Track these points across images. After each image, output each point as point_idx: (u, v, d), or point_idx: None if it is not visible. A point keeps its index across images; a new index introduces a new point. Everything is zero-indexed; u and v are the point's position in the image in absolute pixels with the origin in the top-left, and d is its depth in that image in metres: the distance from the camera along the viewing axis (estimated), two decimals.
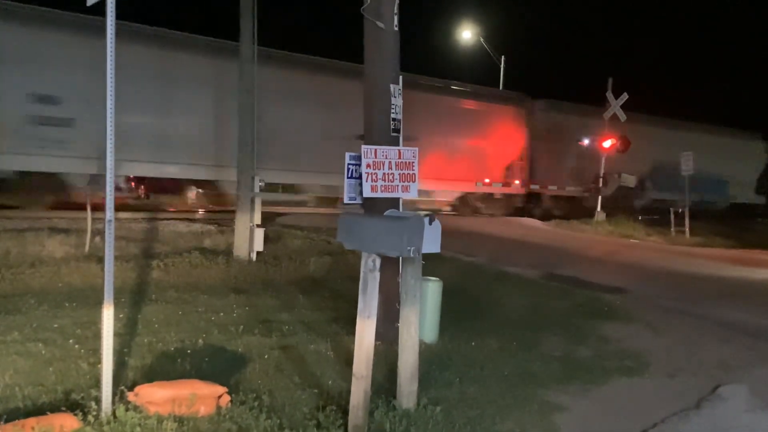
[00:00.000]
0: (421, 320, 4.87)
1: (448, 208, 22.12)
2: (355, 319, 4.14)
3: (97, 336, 4.16)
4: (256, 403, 4.18)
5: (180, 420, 3.86)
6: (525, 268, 11.13)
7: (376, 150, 5.36)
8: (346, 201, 5.70)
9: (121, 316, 6.23)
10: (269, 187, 17.37)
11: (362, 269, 4.07)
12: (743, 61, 56.61)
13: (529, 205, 23.26)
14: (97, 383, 4.08)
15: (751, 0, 53.09)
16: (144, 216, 13.60)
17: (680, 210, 18.89)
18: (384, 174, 5.36)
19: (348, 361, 4.46)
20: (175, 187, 17.36)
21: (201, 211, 17.11)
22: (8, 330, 5.70)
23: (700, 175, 25.11)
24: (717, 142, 27.51)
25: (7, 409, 3.96)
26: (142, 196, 17.45)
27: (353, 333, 4.21)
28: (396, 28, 5.85)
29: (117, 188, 9.61)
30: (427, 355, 5.45)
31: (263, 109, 12.01)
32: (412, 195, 5.57)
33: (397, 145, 5.81)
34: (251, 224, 10.23)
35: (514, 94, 23.38)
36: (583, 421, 4.65)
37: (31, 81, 13.61)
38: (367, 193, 5.33)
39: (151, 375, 4.60)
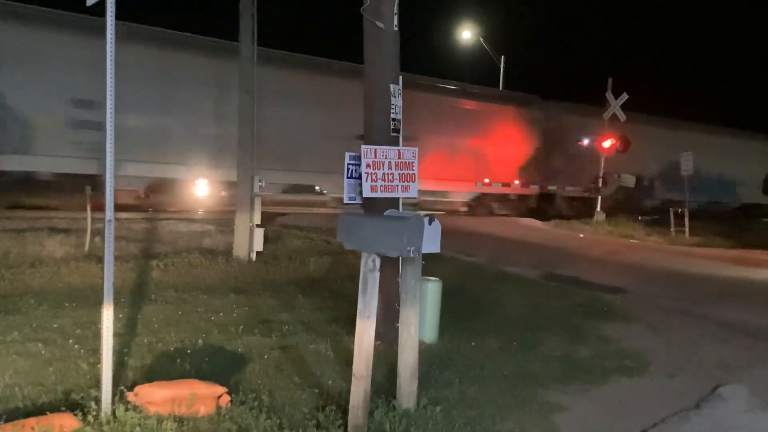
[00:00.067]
0: (420, 320, 4.87)
1: (465, 209, 22.37)
2: (354, 319, 4.13)
3: (97, 336, 4.16)
4: (255, 403, 4.18)
5: (180, 420, 3.86)
6: (525, 268, 11.13)
7: (375, 150, 5.36)
8: (346, 201, 5.69)
9: (120, 316, 6.23)
10: (292, 188, 17.70)
11: (362, 269, 4.07)
12: (743, 61, 56.66)
13: (542, 205, 23.40)
14: (96, 383, 4.08)
15: (751, 0, 53.12)
16: (144, 216, 13.62)
17: (680, 210, 18.90)
18: (384, 174, 5.36)
19: (348, 361, 4.46)
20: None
21: (201, 211, 17.10)
22: (8, 330, 5.70)
23: (707, 176, 25.42)
24: (724, 143, 27.70)
25: (7, 409, 3.96)
26: (142, 196, 17.47)
27: (353, 333, 4.21)
28: (396, 28, 5.86)
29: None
30: (427, 355, 5.45)
31: (263, 109, 12.02)
32: (411, 195, 5.57)
33: (397, 145, 5.81)
34: (251, 224, 10.23)
35: (528, 97, 23.56)
36: (583, 421, 4.65)
37: (70, 86, 13.88)
38: (367, 193, 5.33)
39: (151, 375, 4.60)
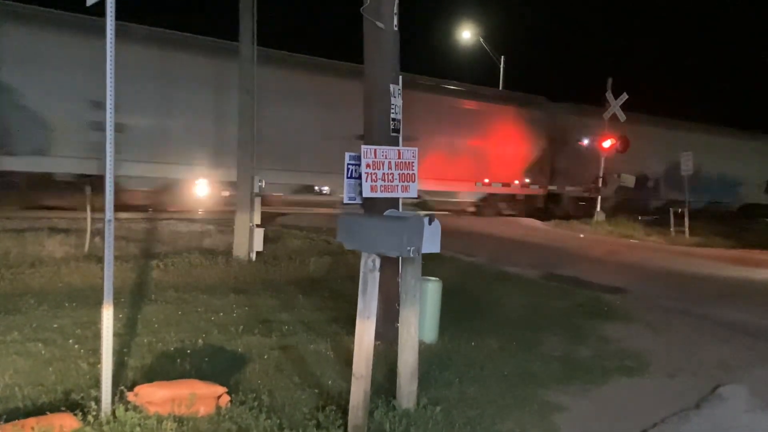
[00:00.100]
0: (420, 320, 4.87)
1: (472, 209, 22.60)
2: (354, 319, 4.13)
3: (97, 336, 4.16)
4: (255, 403, 4.18)
5: (179, 420, 3.86)
6: (525, 268, 11.13)
7: (375, 150, 5.36)
8: (345, 201, 5.70)
9: (120, 316, 6.23)
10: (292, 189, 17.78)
11: (362, 269, 4.07)
12: (743, 61, 56.64)
13: (549, 205, 23.52)
14: (96, 383, 4.08)
15: (751, 0, 53.13)
16: (144, 216, 13.62)
17: (680, 210, 18.91)
18: (384, 174, 5.36)
19: (348, 361, 4.46)
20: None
21: (201, 211, 17.12)
22: (8, 330, 5.70)
23: (710, 176, 25.52)
24: (726, 143, 27.82)
25: (6, 409, 3.96)
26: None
27: (353, 333, 4.21)
28: (396, 28, 5.86)
29: None
30: (427, 355, 5.45)
31: (263, 109, 12.04)
32: (411, 195, 5.58)
33: (397, 145, 5.81)
34: (251, 224, 10.23)
35: (534, 98, 23.70)
36: (583, 421, 4.65)
37: (89, 88, 13.86)
38: (367, 193, 5.33)
39: (151, 375, 4.60)
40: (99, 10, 3.86)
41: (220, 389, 4.16)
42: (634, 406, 4.99)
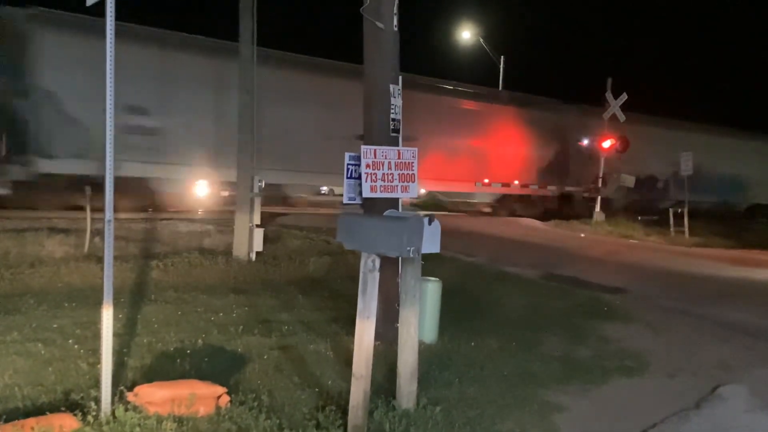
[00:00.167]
0: (420, 320, 4.87)
1: (488, 210, 23.25)
2: (354, 319, 4.13)
3: (97, 336, 4.16)
4: (255, 404, 4.18)
5: (179, 420, 3.86)
6: (525, 268, 11.13)
7: (375, 150, 5.36)
8: (345, 201, 5.70)
9: (120, 316, 6.23)
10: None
11: (362, 269, 4.07)
12: (743, 61, 56.64)
13: (562, 205, 23.74)
14: (96, 383, 4.08)
15: (751, 0, 53.12)
16: (143, 216, 13.63)
17: (680, 210, 18.92)
18: (383, 174, 5.36)
19: (347, 361, 4.46)
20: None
21: (200, 211, 17.14)
22: (8, 330, 5.70)
23: (718, 177, 25.74)
24: (734, 144, 28.06)
25: (6, 409, 3.96)
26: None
27: (353, 333, 4.21)
28: (396, 28, 5.85)
29: None
30: (427, 355, 5.45)
31: (262, 110, 12.07)
32: (411, 195, 5.58)
33: (397, 145, 5.81)
34: (251, 224, 10.23)
35: (549, 101, 24.03)
36: (583, 421, 4.65)
37: (123, 92, 14.12)
38: (367, 193, 5.32)
39: (151, 375, 4.60)
40: (99, 10, 3.86)
41: (220, 389, 4.16)
42: (634, 406, 4.99)
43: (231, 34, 11.52)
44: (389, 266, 5.50)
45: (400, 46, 5.96)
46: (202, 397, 4.04)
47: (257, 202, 10.41)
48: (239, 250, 10.15)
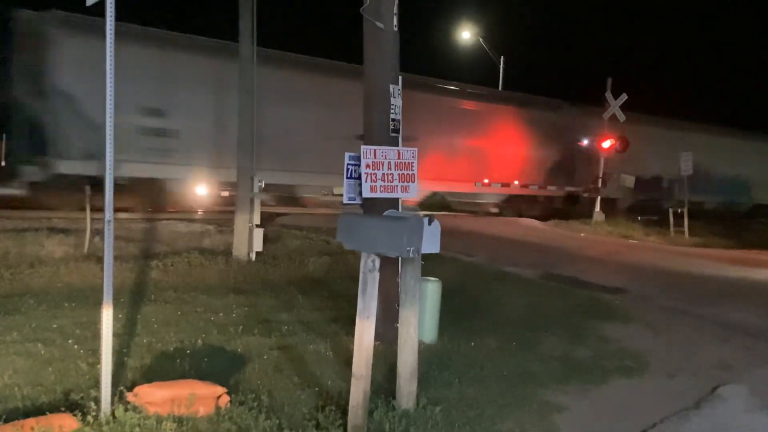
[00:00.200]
0: (420, 320, 4.87)
1: (495, 210, 23.56)
2: (354, 319, 4.13)
3: (97, 336, 4.16)
4: (255, 404, 4.18)
5: (179, 420, 3.86)
6: (524, 268, 11.13)
7: (375, 150, 5.36)
8: (345, 201, 5.70)
9: (120, 316, 6.22)
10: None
11: (362, 269, 4.07)
12: (744, 61, 56.64)
13: (568, 206, 23.88)
14: (96, 383, 4.08)
15: (751, 0, 53.13)
16: (143, 216, 13.65)
17: (679, 210, 18.93)
18: (383, 174, 5.36)
19: (347, 361, 4.46)
20: None
21: (200, 211, 17.15)
22: (7, 330, 5.70)
23: (723, 178, 25.88)
24: (739, 145, 28.22)
25: (6, 409, 3.95)
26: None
27: (352, 333, 4.21)
28: (395, 29, 5.86)
29: None
30: (427, 355, 5.45)
31: (262, 110, 12.10)
32: (411, 195, 5.57)
33: (397, 145, 5.81)
34: (250, 224, 10.23)
35: (554, 102, 24.17)
36: (583, 421, 4.65)
37: (140, 95, 14.83)
38: (367, 193, 5.32)
39: (151, 375, 4.60)
40: (99, 10, 3.86)
41: (220, 389, 4.16)
42: (634, 406, 5.00)
43: (231, 35, 11.55)
44: (389, 266, 5.50)
45: (400, 46, 5.96)
46: (202, 397, 4.04)
47: (257, 202, 10.41)
48: (239, 250, 10.14)
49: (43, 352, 5.14)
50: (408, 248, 3.92)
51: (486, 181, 21.84)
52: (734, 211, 27.46)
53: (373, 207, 5.52)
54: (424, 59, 32.68)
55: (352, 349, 4.13)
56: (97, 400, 3.86)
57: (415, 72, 19.26)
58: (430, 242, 4.04)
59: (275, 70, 15.42)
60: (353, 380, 4.04)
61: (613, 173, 22.71)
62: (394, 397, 4.42)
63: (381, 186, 5.35)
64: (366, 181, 5.29)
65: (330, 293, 8.17)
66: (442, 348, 5.93)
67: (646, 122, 23.86)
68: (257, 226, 10.25)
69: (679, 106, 32.10)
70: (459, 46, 30.13)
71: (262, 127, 15.42)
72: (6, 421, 3.64)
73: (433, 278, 6.20)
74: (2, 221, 11.18)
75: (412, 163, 5.51)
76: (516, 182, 22.49)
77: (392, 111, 5.89)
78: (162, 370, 4.82)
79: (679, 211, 18.93)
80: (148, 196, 15.67)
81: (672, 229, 18.87)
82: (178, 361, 5.06)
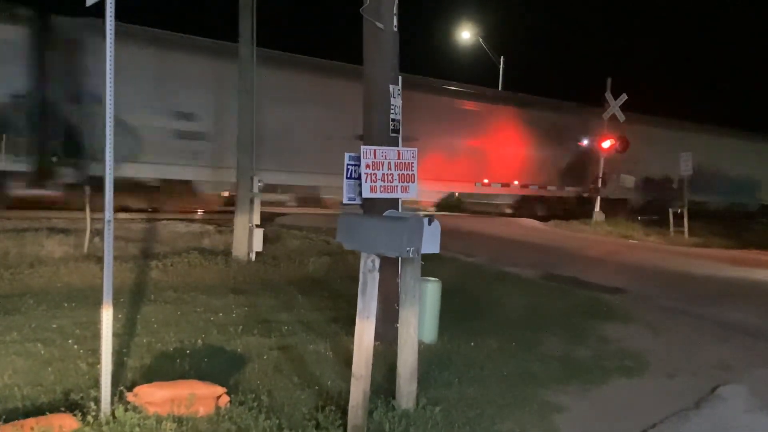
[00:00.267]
0: (420, 320, 4.87)
1: (510, 210, 24.19)
2: (354, 319, 4.13)
3: (96, 336, 4.16)
4: (255, 404, 4.18)
5: (179, 420, 3.86)
6: (524, 269, 11.13)
7: (375, 150, 5.36)
8: (345, 201, 5.70)
9: (120, 316, 6.22)
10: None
11: (361, 269, 4.07)
12: (744, 61, 56.62)
13: (579, 206, 24.06)
14: (96, 383, 4.08)
15: (751, 0, 53.11)
16: (143, 216, 13.67)
17: (679, 210, 18.94)
18: (383, 174, 5.36)
19: (347, 361, 4.46)
20: None
21: (200, 212, 17.18)
22: (7, 330, 5.69)
23: (731, 178, 26.05)
24: (746, 146, 28.45)
25: (6, 409, 3.95)
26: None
27: (352, 333, 4.21)
28: (395, 29, 5.85)
29: None
30: (427, 355, 5.45)
31: (262, 110, 12.13)
32: (411, 195, 5.57)
33: (397, 145, 5.81)
34: (250, 225, 10.23)
35: (567, 104, 24.52)
36: (583, 422, 4.65)
37: (172, 99, 15.54)
38: (366, 193, 5.33)
39: (150, 375, 4.60)
40: (99, 11, 3.85)
41: (220, 389, 4.16)
42: (634, 406, 5.00)
43: (230, 36, 11.56)
44: (389, 266, 5.50)
45: (400, 46, 5.96)
46: (202, 397, 4.04)
47: (257, 202, 10.40)
48: (239, 250, 10.14)
49: (42, 352, 5.13)
50: (408, 248, 3.92)
51: (501, 182, 22.47)
52: (741, 212, 27.53)
53: (373, 207, 5.52)
54: (424, 59, 32.71)
55: (352, 349, 4.13)
56: (96, 400, 3.86)
57: (415, 72, 19.32)
58: (430, 242, 4.04)
59: (274, 71, 15.58)
60: (353, 380, 4.03)
61: (614, 173, 22.83)
62: (393, 397, 4.42)
63: (381, 186, 5.35)
64: (366, 182, 5.29)
65: (330, 293, 8.17)
66: (442, 348, 5.93)
67: (656, 124, 24.29)
68: (257, 226, 10.25)
69: (679, 106, 32.09)
70: (459, 46, 30.14)
71: (286, 130, 16.39)
72: (6, 421, 3.64)
73: (433, 278, 6.20)
74: (2, 221, 11.18)
75: (412, 163, 5.51)
76: (530, 184, 23.19)
77: (392, 111, 5.89)
78: (162, 370, 4.82)
79: (679, 211, 18.93)
80: (179, 196, 16.21)
81: (672, 229, 18.87)
82: (178, 361, 5.06)
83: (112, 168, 3.86)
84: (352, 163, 5.55)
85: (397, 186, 5.45)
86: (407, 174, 5.49)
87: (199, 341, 5.68)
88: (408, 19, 6.54)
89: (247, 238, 10.17)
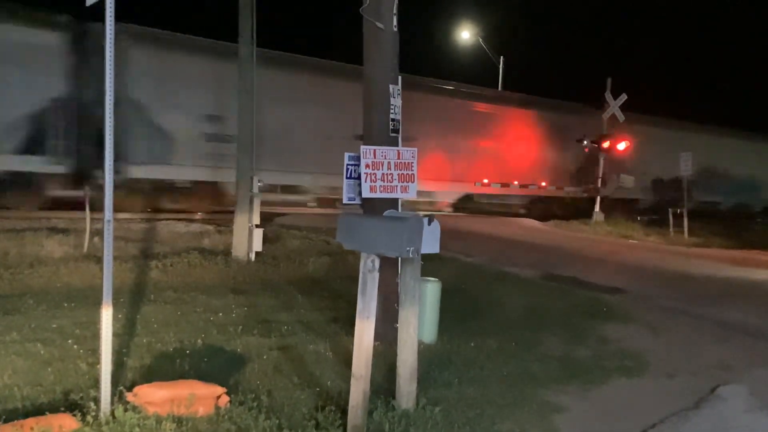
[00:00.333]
0: (420, 320, 4.87)
1: (523, 210, 24.83)
2: (354, 319, 4.13)
3: (96, 336, 4.16)
4: (255, 404, 4.18)
5: (179, 420, 3.85)
6: (524, 269, 11.13)
7: (375, 150, 5.36)
8: (345, 201, 5.70)
9: (119, 316, 6.22)
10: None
11: (361, 270, 4.07)
12: (744, 61, 56.60)
13: (593, 206, 24.05)
14: (95, 383, 4.08)
15: (751, 0, 53.09)
16: (143, 216, 13.67)
17: (679, 210, 18.94)
18: (383, 174, 5.36)
19: (347, 361, 4.46)
20: None
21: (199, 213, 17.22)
22: (7, 330, 5.69)
23: (737, 179, 26.23)
24: (751, 147, 28.63)
25: (6, 409, 3.95)
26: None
27: (352, 333, 4.21)
28: (395, 29, 5.85)
29: None
30: (427, 355, 5.45)
31: (262, 110, 12.15)
32: (410, 196, 5.57)
33: (396, 145, 5.81)
34: (250, 225, 10.22)
35: (577, 105, 24.76)
36: (583, 422, 4.65)
37: (202, 103, 15.94)
38: (366, 193, 5.32)
39: (150, 375, 4.60)
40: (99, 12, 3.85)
41: (220, 389, 4.16)
42: (634, 406, 4.99)
43: (230, 37, 11.56)
44: (389, 266, 5.50)
45: (400, 46, 5.96)
46: (202, 397, 4.03)
47: (257, 202, 10.40)
48: (239, 250, 10.14)
49: (42, 352, 5.13)
50: (408, 248, 3.92)
51: (516, 183, 22.91)
52: (746, 213, 27.60)
53: (372, 207, 5.52)
54: (424, 59, 32.70)
55: (352, 349, 4.13)
56: (96, 400, 3.86)
57: (414, 72, 19.35)
58: (430, 242, 4.04)
59: (274, 71, 15.65)
60: (353, 380, 4.03)
61: (618, 174, 22.92)
62: (393, 397, 4.42)
63: (381, 186, 5.35)
64: (365, 181, 5.29)
65: (330, 293, 8.17)
66: (442, 348, 5.92)
67: (667, 126, 24.71)
68: (257, 226, 10.25)
69: (679, 106, 32.12)
70: (459, 47, 30.16)
71: (286, 130, 16.46)
72: (6, 421, 3.64)
73: (432, 278, 6.20)
74: (2, 221, 11.18)
75: (412, 163, 5.50)
76: (542, 184, 23.67)
77: (392, 111, 5.89)
78: (161, 370, 4.82)
79: (679, 211, 18.94)
80: (208, 198, 16.60)
81: (671, 229, 18.88)
82: (178, 361, 5.06)
83: (112, 168, 3.86)
84: (352, 163, 5.55)
85: (396, 186, 5.45)
86: (407, 174, 5.49)
87: (199, 341, 5.68)
88: (408, 19, 6.54)
89: (247, 238, 10.17)
